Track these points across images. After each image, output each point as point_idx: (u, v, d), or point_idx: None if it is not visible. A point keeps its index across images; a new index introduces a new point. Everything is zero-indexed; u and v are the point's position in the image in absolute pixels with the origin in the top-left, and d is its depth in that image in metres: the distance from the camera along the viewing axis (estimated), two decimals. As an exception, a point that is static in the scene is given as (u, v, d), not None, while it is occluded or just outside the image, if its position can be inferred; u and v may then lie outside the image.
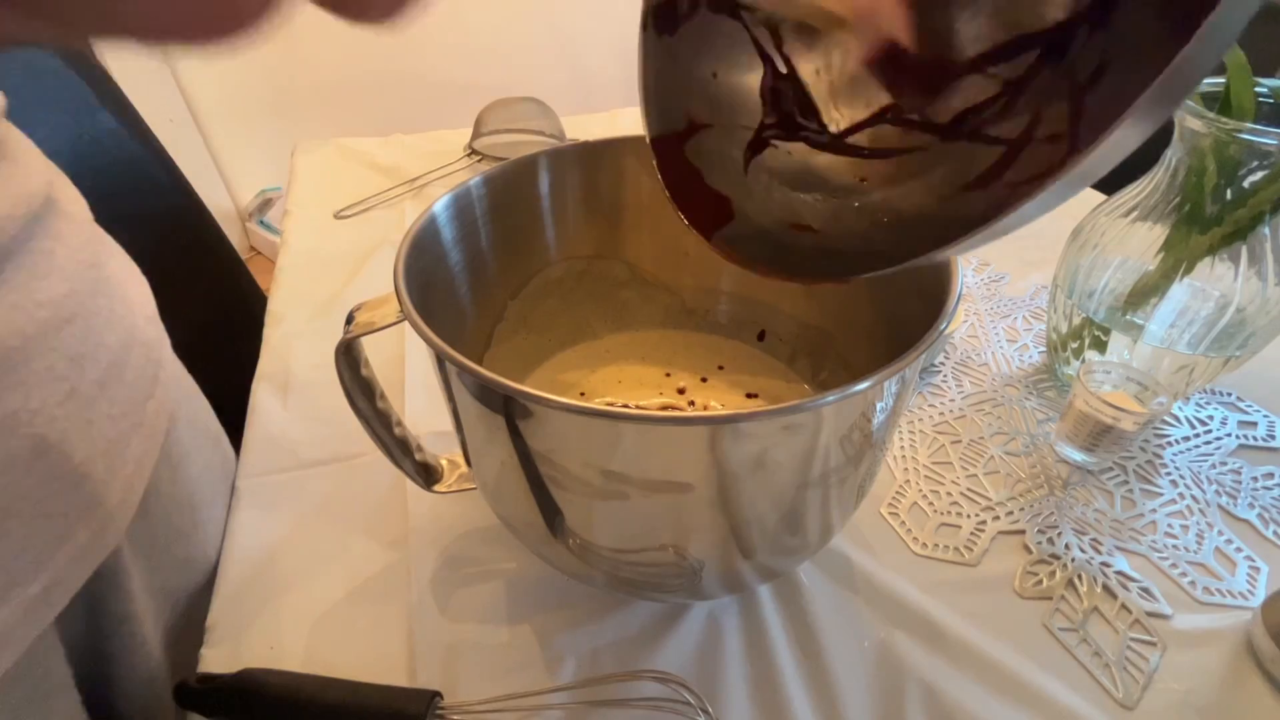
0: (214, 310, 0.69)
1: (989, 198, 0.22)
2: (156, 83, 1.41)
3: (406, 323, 0.25)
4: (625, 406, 0.40)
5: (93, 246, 0.32)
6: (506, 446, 0.25)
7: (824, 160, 0.28)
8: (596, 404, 0.22)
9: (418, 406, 0.48)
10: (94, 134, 0.60)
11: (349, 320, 0.28)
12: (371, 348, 0.30)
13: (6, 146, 0.28)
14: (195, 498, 0.39)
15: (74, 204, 0.33)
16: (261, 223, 1.64)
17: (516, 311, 0.40)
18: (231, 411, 0.48)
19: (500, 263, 0.37)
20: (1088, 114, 0.20)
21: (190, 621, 0.37)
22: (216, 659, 0.34)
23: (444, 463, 0.36)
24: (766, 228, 0.28)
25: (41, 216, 0.29)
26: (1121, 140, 0.16)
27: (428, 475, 0.35)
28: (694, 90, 0.29)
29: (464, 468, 0.36)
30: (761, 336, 0.44)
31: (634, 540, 0.28)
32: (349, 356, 0.29)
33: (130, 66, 1.26)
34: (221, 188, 1.59)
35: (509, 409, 0.24)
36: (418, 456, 0.34)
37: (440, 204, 0.32)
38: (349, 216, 0.70)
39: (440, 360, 0.24)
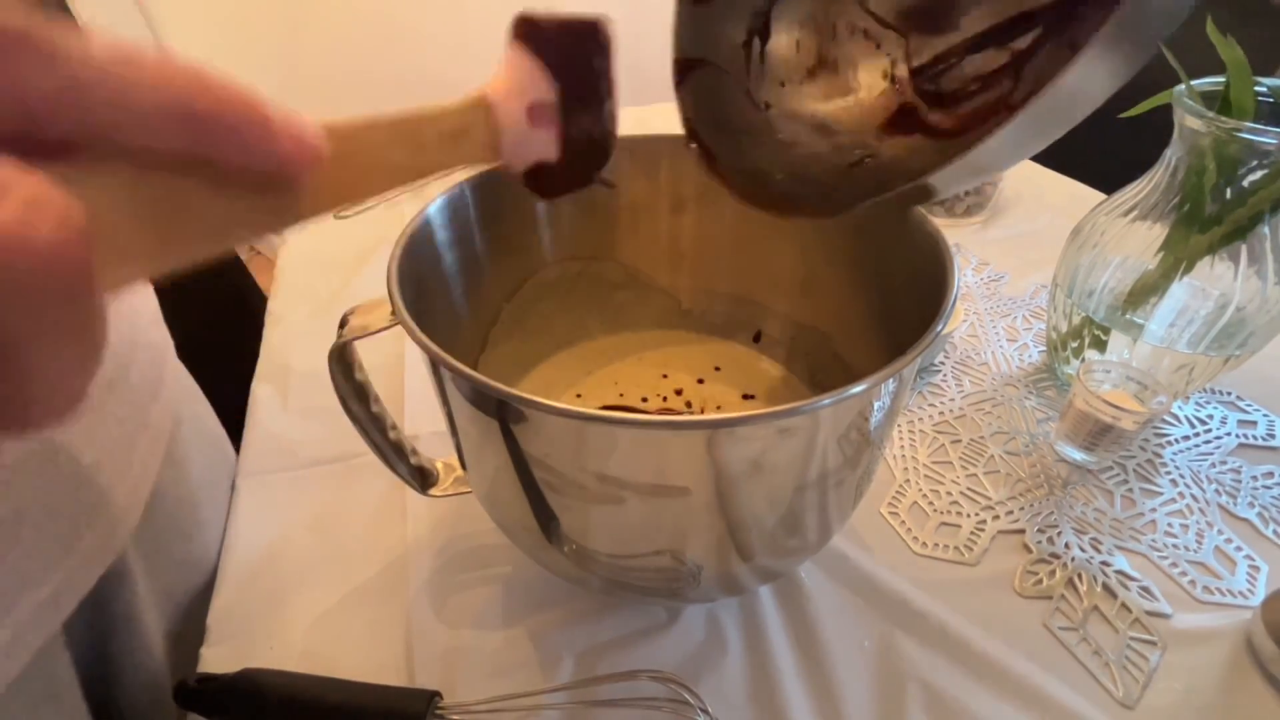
0: (214, 310, 0.69)
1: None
2: (156, 83, 1.41)
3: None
4: (622, 410, 0.40)
5: None
6: (501, 451, 0.25)
7: (844, 119, 0.30)
8: (591, 408, 0.22)
9: (418, 405, 0.48)
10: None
11: (342, 324, 0.28)
12: (371, 347, 0.30)
13: None
14: (197, 498, 0.39)
15: None
16: (262, 222, 1.63)
17: (512, 314, 0.40)
18: (231, 411, 0.48)
19: (495, 265, 0.37)
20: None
21: (191, 621, 0.37)
22: (216, 659, 0.34)
23: (439, 466, 0.36)
24: (772, 176, 0.29)
25: None
26: (1085, 75, 0.16)
27: (423, 479, 0.35)
28: (722, 54, 0.31)
29: (459, 471, 0.36)
30: (758, 337, 0.43)
31: (631, 545, 0.28)
32: (342, 361, 0.29)
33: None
34: (221, 187, 1.59)
35: (503, 414, 0.24)
36: (413, 460, 0.34)
37: (434, 206, 0.32)
38: (349, 216, 0.70)
39: (434, 364, 0.24)
